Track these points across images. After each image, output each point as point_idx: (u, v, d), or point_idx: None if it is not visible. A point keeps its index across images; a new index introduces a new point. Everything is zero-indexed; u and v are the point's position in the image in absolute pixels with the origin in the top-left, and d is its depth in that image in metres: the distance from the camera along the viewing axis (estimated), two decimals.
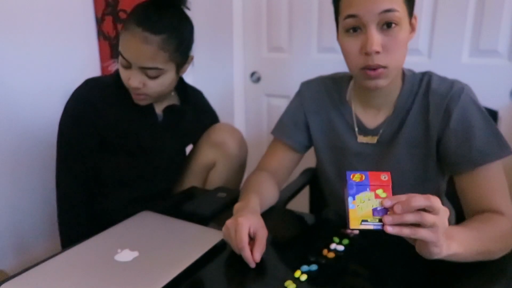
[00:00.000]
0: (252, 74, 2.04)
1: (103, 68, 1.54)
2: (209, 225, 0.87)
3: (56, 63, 1.39)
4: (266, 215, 0.99)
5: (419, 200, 0.57)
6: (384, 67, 0.80)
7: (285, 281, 0.66)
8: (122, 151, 1.08)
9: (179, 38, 0.98)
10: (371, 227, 0.60)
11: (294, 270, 0.69)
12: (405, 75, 0.90)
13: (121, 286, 0.63)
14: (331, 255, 0.74)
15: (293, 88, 1.93)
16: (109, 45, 1.54)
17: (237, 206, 0.85)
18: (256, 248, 0.72)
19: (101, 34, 1.51)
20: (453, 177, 0.85)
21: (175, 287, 0.65)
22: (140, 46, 0.94)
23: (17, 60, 1.28)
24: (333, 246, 0.77)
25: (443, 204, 0.97)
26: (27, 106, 1.32)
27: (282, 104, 1.99)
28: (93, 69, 1.52)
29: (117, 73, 1.05)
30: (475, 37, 1.46)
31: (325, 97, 1.01)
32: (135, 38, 0.93)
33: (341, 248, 0.76)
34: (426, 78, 0.89)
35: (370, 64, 0.79)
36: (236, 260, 0.75)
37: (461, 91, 0.83)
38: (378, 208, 0.60)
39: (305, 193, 1.34)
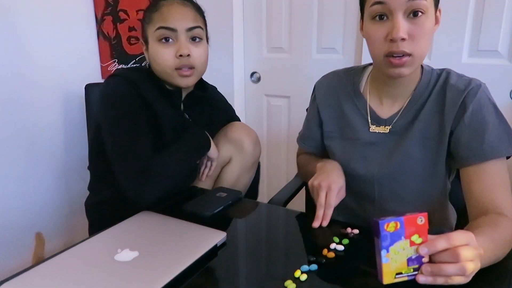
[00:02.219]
0: (252, 74, 2.04)
1: (103, 68, 1.54)
2: (209, 225, 0.87)
3: (56, 63, 1.39)
4: (267, 215, 0.99)
5: (467, 253, 0.55)
6: (409, 54, 0.81)
7: (285, 281, 0.66)
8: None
9: (202, 11, 1.08)
10: (405, 278, 0.57)
11: (294, 270, 0.69)
12: (424, 69, 0.93)
13: (121, 286, 0.63)
14: (331, 255, 0.74)
15: (293, 88, 1.94)
16: (109, 45, 1.54)
17: (321, 165, 0.97)
18: (327, 215, 0.85)
19: (101, 34, 1.51)
20: (460, 171, 0.86)
21: (175, 287, 0.65)
22: (182, 9, 1.01)
23: (17, 60, 1.28)
24: (333, 246, 0.77)
25: (445, 205, 0.98)
26: (26, 107, 1.32)
27: (282, 104, 1.99)
28: (93, 69, 1.52)
29: (140, 68, 1.08)
30: (475, 37, 1.46)
31: (338, 89, 1.03)
32: (174, 5, 1.01)
33: (341, 248, 0.76)
34: (444, 74, 0.91)
35: (395, 50, 0.80)
36: (236, 260, 0.75)
37: (479, 87, 0.85)
38: (413, 257, 0.56)
39: (301, 194, 1.34)
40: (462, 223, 0.90)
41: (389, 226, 0.55)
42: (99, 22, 1.50)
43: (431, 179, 0.92)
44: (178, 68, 1.01)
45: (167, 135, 1.05)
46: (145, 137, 0.97)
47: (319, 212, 0.86)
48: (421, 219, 0.56)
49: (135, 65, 1.66)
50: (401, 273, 0.57)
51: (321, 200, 0.87)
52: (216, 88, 1.28)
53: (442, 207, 0.98)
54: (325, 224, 0.86)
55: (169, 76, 1.02)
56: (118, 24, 1.56)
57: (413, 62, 0.83)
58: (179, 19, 1.00)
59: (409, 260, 0.57)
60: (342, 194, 0.92)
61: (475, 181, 0.81)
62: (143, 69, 1.08)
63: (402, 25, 0.78)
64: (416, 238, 0.56)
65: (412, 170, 0.92)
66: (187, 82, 1.04)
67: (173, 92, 1.08)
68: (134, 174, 0.92)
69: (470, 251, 0.56)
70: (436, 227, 0.97)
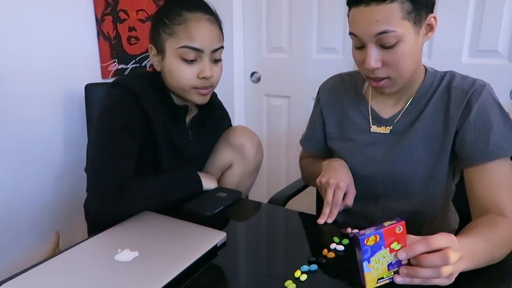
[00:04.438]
0: (252, 74, 2.04)
1: (103, 68, 1.54)
2: (209, 225, 0.87)
3: (55, 63, 1.39)
4: (267, 215, 0.99)
5: (434, 260, 0.56)
6: (387, 77, 0.84)
7: (285, 281, 0.66)
8: (148, 157, 1.02)
9: (222, 24, 1.02)
10: (387, 281, 0.60)
11: (294, 270, 0.69)
12: (427, 70, 0.93)
13: (121, 286, 0.63)
14: (331, 255, 0.74)
15: (293, 88, 1.94)
16: (109, 45, 1.54)
17: (327, 163, 0.97)
18: (333, 213, 0.86)
19: (101, 34, 1.51)
20: (464, 171, 0.86)
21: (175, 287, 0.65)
22: (211, 28, 0.95)
23: (17, 60, 1.28)
24: (333, 246, 0.77)
25: (448, 206, 0.98)
26: (26, 107, 1.32)
27: (282, 104, 1.99)
28: (93, 69, 1.52)
29: (146, 75, 1.02)
30: (475, 37, 1.46)
31: (340, 92, 1.04)
32: (202, 22, 0.94)
33: (341, 248, 0.76)
34: (448, 76, 0.91)
35: (371, 76, 0.85)
36: (236, 260, 0.75)
37: (483, 87, 0.85)
38: (393, 261, 0.59)
39: (304, 194, 1.34)
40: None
41: (369, 240, 0.57)
42: (99, 22, 1.50)
43: (433, 179, 0.92)
44: (197, 87, 0.98)
45: (164, 152, 1.02)
46: (130, 159, 0.92)
47: (326, 210, 0.88)
48: (400, 228, 0.58)
49: (135, 65, 1.66)
50: (382, 278, 0.60)
51: (328, 197, 0.89)
52: (215, 94, 1.24)
53: (445, 209, 0.98)
54: (330, 221, 0.87)
55: (186, 93, 0.99)
56: (118, 24, 1.56)
57: (394, 83, 0.86)
58: (207, 40, 0.95)
59: (390, 265, 0.59)
60: (353, 191, 0.93)
61: (479, 181, 0.82)
62: (149, 76, 1.03)
63: (374, 56, 0.81)
64: (395, 245, 0.58)
65: (414, 170, 0.92)
66: (204, 100, 1.01)
67: (180, 108, 1.04)
68: (105, 193, 0.86)
69: (441, 260, 0.56)
70: (437, 231, 0.97)
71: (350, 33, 0.84)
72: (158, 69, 1.02)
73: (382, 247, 0.58)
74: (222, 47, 0.99)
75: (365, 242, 0.57)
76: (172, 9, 0.96)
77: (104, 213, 0.87)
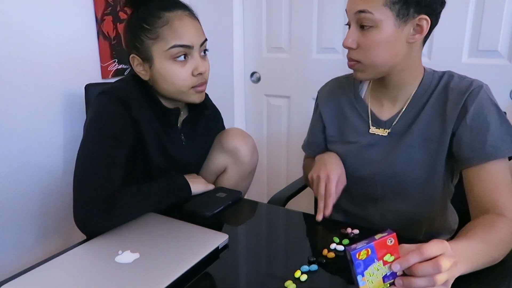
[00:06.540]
0: (252, 74, 2.04)
1: (103, 68, 1.54)
2: (209, 225, 0.87)
3: (56, 63, 1.39)
4: (267, 216, 0.99)
5: (426, 269, 0.55)
6: (357, 61, 0.87)
7: (285, 281, 0.66)
8: (141, 165, 1.02)
9: None
10: None
11: (294, 270, 0.69)
12: (425, 71, 0.94)
13: None
14: (331, 255, 0.74)
15: (293, 88, 1.94)
16: (109, 45, 1.54)
17: (319, 157, 1.00)
18: (328, 204, 0.87)
19: (101, 34, 1.51)
20: (463, 172, 0.86)
21: None
22: (194, 22, 0.97)
23: (17, 60, 1.28)
24: (333, 246, 0.77)
25: (446, 207, 0.98)
26: (26, 107, 1.32)
27: (282, 104, 1.99)
28: (93, 69, 1.52)
29: (135, 80, 1.01)
30: (475, 37, 1.46)
31: (339, 95, 1.05)
32: (185, 18, 0.95)
33: (341, 248, 0.76)
34: (446, 76, 0.92)
35: (347, 56, 0.89)
36: (236, 260, 0.75)
37: (480, 88, 0.85)
38: (388, 274, 0.59)
39: (303, 195, 1.34)
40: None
41: (361, 254, 0.57)
42: (99, 22, 1.50)
43: (431, 180, 0.92)
44: (194, 86, 0.97)
45: (155, 160, 1.01)
46: (119, 168, 0.90)
47: (321, 204, 0.88)
48: (391, 240, 0.58)
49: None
50: None
51: (321, 191, 0.89)
52: (207, 95, 1.22)
53: (443, 209, 0.98)
54: (327, 213, 0.87)
55: (185, 94, 0.98)
56: (118, 24, 1.56)
57: (365, 69, 0.88)
58: (194, 34, 0.95)
59: (385, 277, 0.59)
60: (343, 181, 0.94)
61: (477, 182, 0.82)
62: (138, 83, 1.01)
63: (351, 35, 0.86)
64: (388, 257, 0.58)
65: (412, 171, 0.92)
66: (201, 97, 1.01)
67: (172, 110, 1.03)
68: (94, 204, 0.81)
69: (433, 269, 0.56)
70: (437, 231, 0.97)
71: (346, 11, 0.88)
72: (145, 78, 0.99)
73: (375, 260, 0.58)
74: (206, 39, 1.00)
75: (357, 256, 0.57)
76: (149, 13, 0.94)
77: (91, 224, 0.81)
